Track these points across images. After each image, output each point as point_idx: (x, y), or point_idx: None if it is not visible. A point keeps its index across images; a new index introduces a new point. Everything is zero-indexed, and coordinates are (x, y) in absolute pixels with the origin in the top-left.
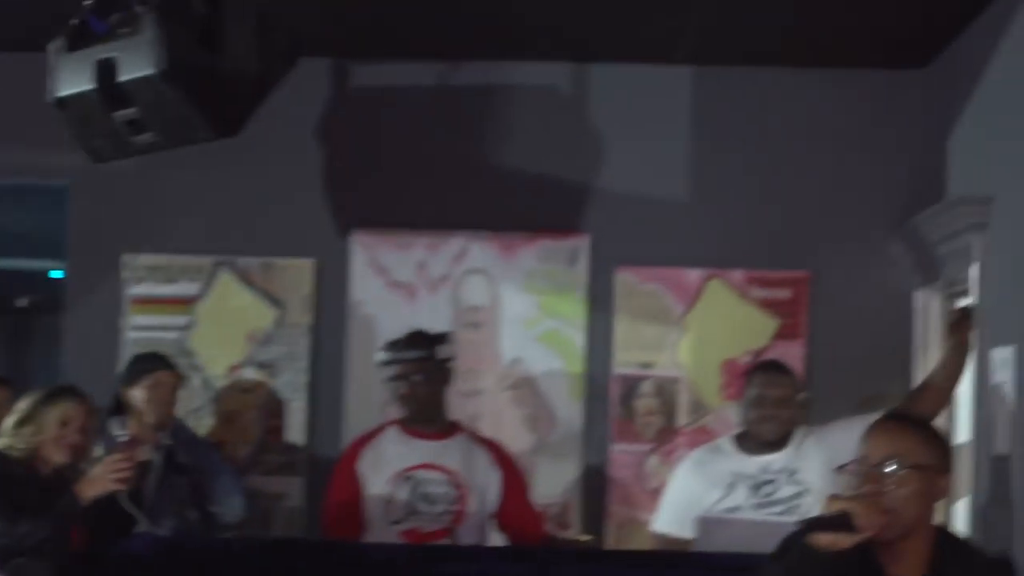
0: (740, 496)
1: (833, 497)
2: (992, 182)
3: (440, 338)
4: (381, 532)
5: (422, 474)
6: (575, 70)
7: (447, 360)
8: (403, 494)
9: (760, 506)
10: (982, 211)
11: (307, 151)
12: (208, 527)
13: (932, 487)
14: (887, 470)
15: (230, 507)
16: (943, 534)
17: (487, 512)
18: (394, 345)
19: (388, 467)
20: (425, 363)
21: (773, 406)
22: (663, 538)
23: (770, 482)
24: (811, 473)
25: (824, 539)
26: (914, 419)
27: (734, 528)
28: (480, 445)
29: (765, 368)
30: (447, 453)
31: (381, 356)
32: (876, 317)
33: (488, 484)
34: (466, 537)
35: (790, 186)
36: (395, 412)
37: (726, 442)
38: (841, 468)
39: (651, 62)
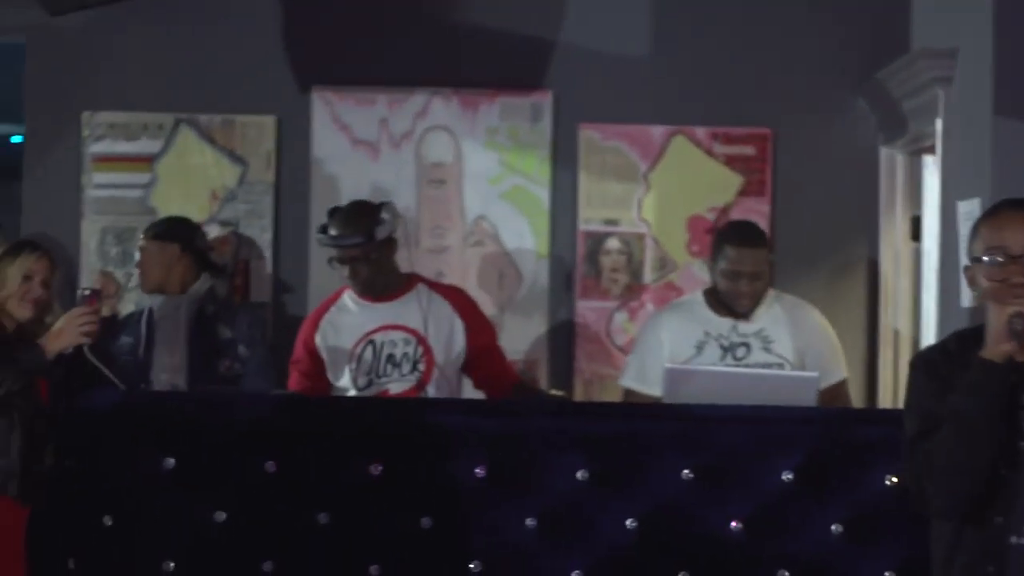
0: (711, 357)
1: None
2: (957, 33)
3: (377, 218)
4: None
5: (383, 336)
6: None
7: (387, 237)
8: (367, 359)
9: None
10: (947, 64)
11: (267, 5)
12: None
13: None
14: None
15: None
16: None
17: (455, 364)
18: (330, 226)
19: (348, 335)
20: (364, 247)
21: (748, 282)
22: (630, 393)
23: (743, 345)
24: (783, 346)
25: (1006, 348)
26: None
27: (700, 379)
28: (439, 295)
29: (739, 239)
30: (405, 311)
31: (319, 237)
32: (840, 174)
33: (453, 335)
34: (438, 393)
35: (753, 41)
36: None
37: (697, 298)
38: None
39: None
